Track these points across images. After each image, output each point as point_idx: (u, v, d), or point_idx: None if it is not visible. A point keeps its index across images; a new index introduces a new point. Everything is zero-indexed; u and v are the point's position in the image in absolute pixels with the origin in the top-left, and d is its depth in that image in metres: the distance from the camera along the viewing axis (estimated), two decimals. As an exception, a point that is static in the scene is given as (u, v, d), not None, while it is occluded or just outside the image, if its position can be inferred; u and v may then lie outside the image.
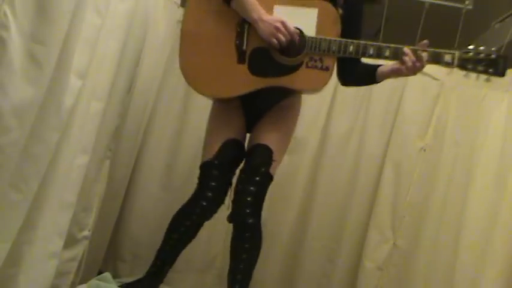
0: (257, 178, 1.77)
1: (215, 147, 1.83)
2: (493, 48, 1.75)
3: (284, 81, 1.78)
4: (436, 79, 2.66)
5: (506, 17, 3.52)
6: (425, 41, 1.75)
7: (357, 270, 2.58)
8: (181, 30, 1.85)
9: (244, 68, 1.80)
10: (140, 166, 2.57)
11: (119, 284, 1.88)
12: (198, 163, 2.65)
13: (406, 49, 1.72)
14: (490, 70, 1.73)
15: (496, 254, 2.32)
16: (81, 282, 1.89)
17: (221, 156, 1.82)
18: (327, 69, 1.77)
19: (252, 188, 1.76)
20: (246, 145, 1.94)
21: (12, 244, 1.41)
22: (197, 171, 2.63)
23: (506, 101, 2.48)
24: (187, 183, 2.66)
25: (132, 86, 2.07)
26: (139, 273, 2.43)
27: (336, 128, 2.68)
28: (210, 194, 1.80)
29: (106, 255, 2.45)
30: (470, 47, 1.75)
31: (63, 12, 1.36)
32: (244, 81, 1.80)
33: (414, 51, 1.72)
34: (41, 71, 1.34)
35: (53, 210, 1.54)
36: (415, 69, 1.74)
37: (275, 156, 1.81)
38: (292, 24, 1.74)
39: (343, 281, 2.61)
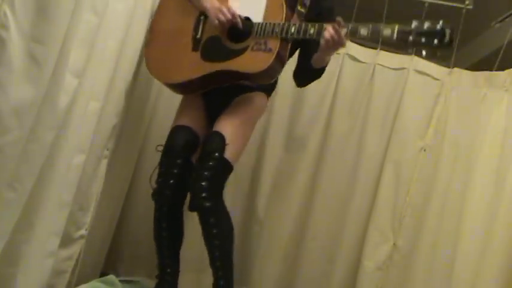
0: (210, 163, 1.80)
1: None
2: (440, 21, 1.59)
3: (230, 64, 1.85)
4: (436, 79, 2.66)
5: (506, 17, 3.52)
6: (338, 18, 1.73)
7: (357, 270, 2.57)
8: (149, 28, 2.06)
9: (197, 54, 1.94)
10: (141, 166, 2.57)
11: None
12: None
13: (328, 26, 1.72)
14: (435, 41, 1.58)
15: (496, 254, 2.32)
16: (77, 282, 1.89)
17: (168, 142, 1.94)
18: (270, 50, 1.81)
19: (205, 173, 1.79)
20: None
21: (10, 244, 1.41)
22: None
23: (506, 100, 2.47)
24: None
25: (132, 85, 2.07)
26: (139, 273, 2.45)
27: (336, 128, 2.68)
28: (160, 180, 1.90)
29: (106, 255, 2.44)
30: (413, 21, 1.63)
31: (62, 12, 1.36)
32: (195, 67, 1.91)
33: (334, 26, 1.71)
34: (40, 71, 1.34)
35: (50, 210, 1.54)
36: (337, 44, 1.73)
37: (228, 140, 1.83)
38: (243, 12, 1.88)
39: (343, 281, 2.61)
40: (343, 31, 1.71)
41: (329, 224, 2.64)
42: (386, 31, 1.65)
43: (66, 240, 1.72)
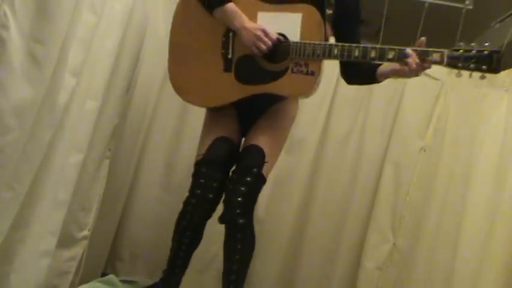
0: (248, 179, 1.77)
1: (206, 147, 1.85)
2: (486, 44, 1.64)
3: (270, 88, 1.77)
4: (436, 79, 2.66)
5: (506, 17, 3.51)
6: (422, 38, 1.69)
7: (357, 270, 2.57)
8: (170, 42, 1.89)
9: (230, 76, 1.81)
10: (141, 166, 2.57)
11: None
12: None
13: (409, 50, 1.66)
14: (483, 67, 1.61)
15: (496, 254, 2.32)
16: (80, 282, 1.89)
17: (209, 153, 1.82)
18: (312, 73, 1.73)
19: (242, 188, 1.75)
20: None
21: (5, 242, 1.41)
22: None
23: (506, 100, 2.48)
24: (187, 184, 2.64)
25: (132, 85, 2.07)
26: (139, 273, 2.45)
27: (336, 128, 2.68)
28: (198, 191, 1.80)
29: (108, 255, 2.45)
30: (461, 43, 1.66)
31: (62, 12, 1.36)
32: (231, 90, 1.81)
33: (418, 53, 1.65)
34: (40, 71, 1.34)
35: (46, 209, 1.54)
36: (417, 71, 1.67)
37: (267, 157, 1.81)
38: (275, 30, 1.74)
39: (343, 281, 2.61)
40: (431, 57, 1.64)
41: (329, 224, 2.64)
42: (436, 56, 1.64)
43: (68, 241, 1.72)
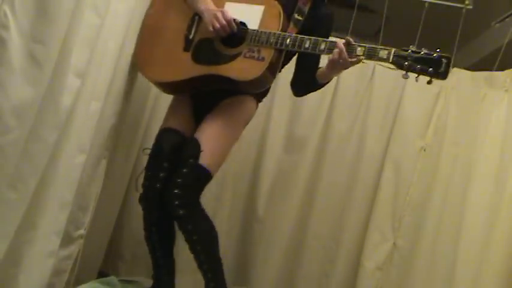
0: (184, 170, 1.79)
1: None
2: (438, 50, 1.61)
3: (220, 69, 1.82)
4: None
5: (506, 17, 3.51)
6: (347, 38, 1.71)
7: (357, 270, 2.57)
8: (142, 24, 2.01)
9: (188, 55, 1.90)
10: (140, 166, 2.57)
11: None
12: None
13: (339, 42, 1.70)
14: (430, 70, 1.59)
15: (496, 254, 2.32)
16: (76, 281, 1.90)
17: (155, 145, 1.92)
18: (262, 59, 1.78)
19: (179, 180, 1.78)
20: None
21: (12, 244, 1.41)
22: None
23: (506, 101, 2.47)
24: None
25: (132, 85, 2.07)
26: (139, 273, 2.45)
27: (336, 128, 2.68)
28: (146, 183, 1.88)
29: (106, 254, 2.45)
30: (411, 46, 1.64)
31: (62, 12, 1.36)
32: (185, 68, 1.88)
33: (347, 45, 1.69)
34: (40, 71, 1.34)
35: (52, 210, 1.55)
36: (344, 63, 1.70)
37: (205, 146, 1.81)
38: (238, 17, 1.84)
39: (343, 281, 2.61)
40: (359, 50, 1.68)
41: (329, 224, 2.64)
42: (383, 53, 1.65)
43: (65, 240, 1.72)
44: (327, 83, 1.96)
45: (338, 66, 1.73)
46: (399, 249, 2.57)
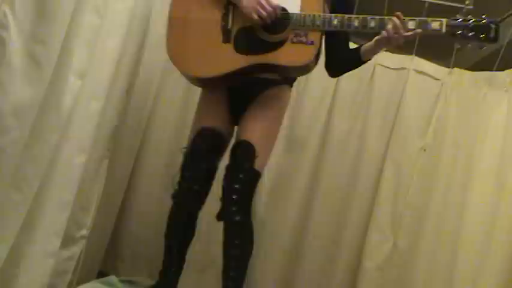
0: (241, 175, 1.77)
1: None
2: (483, 16, 1.69)
3: (269, 58, 1.78)
4: (436, 79, 2.66)
5: (506, 17, 3.51)
6: (397, 13, 1.72)
7: (357, 270, 2.57)
8: (169, 17, 1.90)
9: (229, 46, 1.82)
10: (140, 166, 2.57)
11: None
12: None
13: (393, 18, 1.71)
14: (481, 36, 1.66)
15: (496, 254, 2.32)
16: (78, 282, 1.90)
17: (193, 145, 1.85)
18: (312, 43, 1.75)
19: (236, 186, 1.76)
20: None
21: (14, 244, 1.41)
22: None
23: (506, 101, 2.48)
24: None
25: (132, 85, 2.07)
26: (138, 273, 2.45)
27: (336, 128, 2.68)
28: (184, 184, 1.82)
29: (106, 254, 2.45)
30: (457, 15, 1.71)
31: (63, 12, 1.36)
32: (229, 60, 1.81)
33: (399, 19, 1.70)
34: (40, 71, 1.34)
35: (52, 210, 1.55)
36: (399, 38, 1.71)
37: (258, 151, 1.80)
38: (276, 1, 1.76)
39: (343, 281, 2.61)
40: (411, 24, 1.70)
41: (329, 224, 2.64)
42: (435, 24, 1.69)
43: (67, 241, 1.72)
44: (369, 60, 1.93)
45: (392, 41, 1.73)
46: (399, 249, 2.57)
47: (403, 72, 2.67)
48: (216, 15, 1.85)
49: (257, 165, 1.80)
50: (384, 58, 2.69)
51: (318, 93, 2.68)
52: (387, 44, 1.76)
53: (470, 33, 1.68)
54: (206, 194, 1.87)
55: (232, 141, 1.94)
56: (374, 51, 1.84)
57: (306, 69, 1.84)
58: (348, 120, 2.69)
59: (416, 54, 2.68)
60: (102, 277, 2.15)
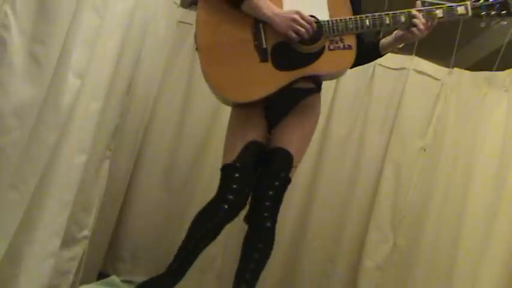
0: (276, 183, 1.78)
1: (237, 150, 1.80)
2: None
3: (311, 69, 1.77)
4: (436, 79, 2.66)
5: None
6: (418, 1, 1.78)
7: (357, 270, 2.58)
8: (198, 45, 1.83)
9: (268, 65, 1.78)
10: (140, 167, 2.58)
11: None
12: (198, 164, 2.67)
13: (415, 12, 1.75)
14: (503, 12, 1.76)
15: (496, 254, 2.32)
16: (81, 282, 1.90)
17: (243, 158, 1.79)
18: (349, 47, 1.76)
19: (270, 193, 1.77)
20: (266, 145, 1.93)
21: (13, 244, 1.41)
22: (197, 173, 2.65)
23: (506, 101, 2.48)
24: (186, 184, 2.66)
25: (132, 86, 2.07)
26: (139, 273, 2.45)
27: (336, 128, 2.68)
28: (231, 197, 1.76)
29: (106, 255, 2.45)
30: None
31: (63, 12, 1.36)
32: (272, 79, 1.78)
33: (425, 11, 1.75)
34: (41, 71, 1.34)
35: (52, 210, 1.54)
36: (427, 29, 1.76)
37: (295, 161, 1.82)
38: (304, 12, 1.75)
39: (343, 281, 2.61)
40: (439, 13, 1.75)
41: (329, 224, 2.64)
42: (461, 9, 1.76)
43: (69, 241, 1.72)
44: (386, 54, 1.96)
45: (418, 35, 1.76)
46: (399, 249, 2.57)
47: (403, 72, 2.67)
48: (247, 35, 1.80)
49: (291, 174, 1.83)
50: (384, 58, 2.68)
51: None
52: (412, 38, 1.80)
53: (493, 12, 1.76)
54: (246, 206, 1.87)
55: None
56: (393, 46, 1.86)
57: (344, 73, 1.88)
58: (348, 120, 2.69)
59: (416, 54, 2.68)
60: (103, 278, 2.15)
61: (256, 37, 1.79)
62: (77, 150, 1.61)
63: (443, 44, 2.68)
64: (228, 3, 1.78)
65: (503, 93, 2.49)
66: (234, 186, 1.76)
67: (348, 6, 1.79)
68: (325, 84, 2.61)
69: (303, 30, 1.72)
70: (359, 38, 1.87)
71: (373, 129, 2.67)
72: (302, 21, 1.72)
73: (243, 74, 1.80)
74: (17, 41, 1.28)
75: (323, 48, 1.76)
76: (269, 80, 1.77)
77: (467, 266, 2.36)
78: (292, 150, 1.82)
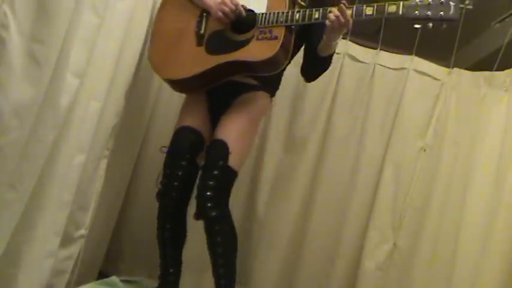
0: (215, 172, 1.80)
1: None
2: None
3: (235, 55, 1.84)
4: (436, 79, 2.66)
5: (506, 17, 3.52)
6: (343, 1, 1.73)
7: (357, 270, 2.57)
8: (152, 31, 2.07)
9: (201, 49, 1.93)
10: (140, 167, 2.57)
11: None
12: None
13: (341, 6, 1.72)
14: (441, 13, 1.62)
15: (496, 254, 2.32)
16: (77, 281, 1.90)
17: (173, 144, 1.93)
18: (275, 38, 1.80)
19: (210, 183, 1.79)
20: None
21: (11, 244, 1.41)
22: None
23: (506, 100, 2.48)
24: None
25: (132, 86, 2.07)
26: (139, 273, 2.44)
27: (336, 128, 2.68)
28: (165, 181, 1.89)
29: (106, 254, 2.45)
30: None
31: (62, 12, 1.37)
32: (201, 61, 1.90)
33: (339, 7, 1.71)
34: (40, 71, 1.35)
35: (50, 210, 1.55)
36: (340, 24, 1.71)
37: (232, 147, 1.83)
38: (245, 5, 1.89)
39: (343, 281, 2.61)
40: (348, 11, 1.71)
41: (329, 224, 2.64)
42: (391, 8, 1.67)
43: (66, 240, 1.72)
44: (331, 55, 1.94)
45: (334, 29, 1.74)
46: (399, 249, 2.57)
47: (403, 72, 2.67)
48: (192, 23, 1.99)
49: (232, 164, 1.83)
50: (384, 58, 2.69)
51: (318, 93, 2.68)
52: (332, 33, 1.77)
53: (428, 12, 1.63)
54: (188, 191, 1.91)
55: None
56: (327, 43, 1.85)
57: (273, 64, 1.86)
58: (348, 120, 2.69)
59: (416, 54, 2.68)
60: (103, 278, 2.15)
61: (198, 24, 1.98)
62: (76, 150, 1.62)
63: (443, 44, 2.68)
64: None
65: (503, 93, 2.49)
66: (167, 170, 1.90)
67: (286, 3, 1.85)
68: (325, 84, 2.64)
69: (227, 9, 1.87)
70: (309, 50, 1.97)
71: (373, 130, 2.66)
72: (229, 3, 1.88)
73: (178, 55, 1.98)
74: (16, 41, 1.28)
75: (251, 38, 1.85)
76: (198, 62, 1.91)
77: (468, 266, 2.36)
78: (228, 139, 1.84)
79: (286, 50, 1.84)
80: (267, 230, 2.64)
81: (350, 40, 2.66)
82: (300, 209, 2.66)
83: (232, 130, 1.88)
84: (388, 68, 2.69)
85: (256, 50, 1.82)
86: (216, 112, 1.98)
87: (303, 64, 2.07)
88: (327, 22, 1.74)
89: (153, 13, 2.22)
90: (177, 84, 2.04)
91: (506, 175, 2.38)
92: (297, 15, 1.79)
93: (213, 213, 1.78)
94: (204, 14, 1.98)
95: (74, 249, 1.82)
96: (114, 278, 2.06)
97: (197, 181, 1.86)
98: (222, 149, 1.83)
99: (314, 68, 2.04)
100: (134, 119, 2.34)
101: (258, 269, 2.62)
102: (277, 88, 2.13)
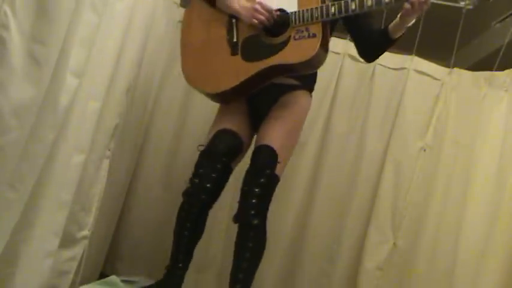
0: (262, 180, 1.79)
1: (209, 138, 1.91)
2: None
3: (275, 59, 1.80)
4: (436, 79, 2.66)
5: (506, 17, 3.52)
6: None
7: (357, 270, 2.57)
8: (180, 44, 2.01)
9: (238, 58, 1.88)
10: (141, 166, 2.58)
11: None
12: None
13: None
14: None
15: (496, 254, 2.32)
16: (81, 282, 1.90)
17: (210, 145, 1.88)
18: (314, 35, 1.76)
19: (256, 190, 1.78)
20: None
21: (9, 243, 1.41)
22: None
23: (506, 100, 2.48)
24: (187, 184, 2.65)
25: (132, 86, 2.07)
26: (139, 273, 2.44)
27: (336, 128, 2.68)
28: (196, 181, 1.84)
29: (106, 255, 2.45)
30: None
31: (63, 12, 1.36)
32: (240, 70, 1.85)
33: None
34: (40, 71, 1.35)
35: (49, 209, 1.54)
36: (423, 5, 1.71)
37: (280, 157, 1.82)
38: (274, 5, 1.84)
39: (343, 281, 2.61)
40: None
41: (329, 224, 2.64)
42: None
43: (69, 241, 1.72)
44: (401, 37, 1.90)
45: (414, 11, 1.72)
46: (399, 249, 2.57)
47: (403, 72, 2.67)
48: (221, 31, 1.92)
49: (278, 171, 1.83)
50: (384, 58, 2.69)
51: (318, 93, 2.66)
52: (412, 15, 1.76)
53: None
54: (217, 194, 1.89)
55: (251, 149, 1.95)
56: (401, 26, 1.83)
57: (316, 62, 1.84)
58: (348, 120, 2.69)
59: (416, 54, 2.68)
60: (103, 278, 2.15)
61: (229, 32, 1.91)
62: (75, 149, 1.61)
63: (443, 44, 2.69)
64: (205, 1, 1.93)
65: (503, 93, 2.49)
66: (200, 170, 1.85)
67: (317, 0, 1.80)
68: (325, 84, 2.64)
69: (261, 17, 1.81)
70: (365, 29, 1.91)
71: (373, 129, 2.66)
72: (262, 10, 1.82)
73: (214, 67, 1.92)
74: (16, 41, 1.28)
75: (289, 39, 1.80)
76: (237, 71, 1.86)
77: (468, 266, 2.36)
78: (276, 146, 1.83)
79: (326, 45, 1.81)
80: (267, 230, 2.64)
81: (350, 40, 2.66)
82: (300, 208, 2.66)
83: (278, 136, 1.86)
84: (388, 67, 2.69)
85: (297, 51, 1.78)
86: (257, 116, 1.95)
87: (362, 48, 2.02)
88: (406, 5, 1.71)
89: (153, 13, 2.22)
90: (219, 97, 1.97)
91: (507, 175, 2.38)
92: (332, 8, 1.74)
93: (255, 221, 1.78)
94: (233, 21, 1.91)
95: (78, 250, 1.81)
96: (114, 278, 2.05)
97: (242, 185, 1.83)
98: (271, 156, 1.81)
99: (382, 49, 1.99)
100: (135, 119, 2.34)
101: (258, 268, 2.61)
102: (315, 82, 2.08)
